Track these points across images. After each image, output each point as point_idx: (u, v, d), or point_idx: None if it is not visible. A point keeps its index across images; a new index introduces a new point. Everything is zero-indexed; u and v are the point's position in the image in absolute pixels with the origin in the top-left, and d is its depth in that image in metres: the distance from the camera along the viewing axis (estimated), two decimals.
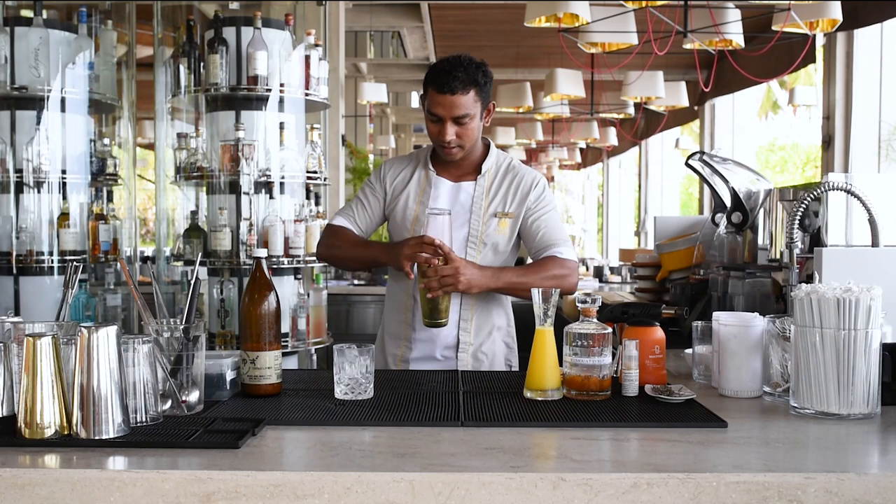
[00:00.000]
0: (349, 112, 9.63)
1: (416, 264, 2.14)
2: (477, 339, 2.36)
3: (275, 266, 3.49)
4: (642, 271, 3.71)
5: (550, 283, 2.23)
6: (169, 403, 1.55)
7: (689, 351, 2.09)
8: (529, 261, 2.43)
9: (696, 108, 8.99)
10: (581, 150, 14.36)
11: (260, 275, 1.78)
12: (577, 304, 1.74)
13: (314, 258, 3.66)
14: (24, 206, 3.60)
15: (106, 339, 1.39)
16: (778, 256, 2.57)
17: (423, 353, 2.35)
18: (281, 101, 3.59)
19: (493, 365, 2.38)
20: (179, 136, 3.75)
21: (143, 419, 1.47)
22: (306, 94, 3.62)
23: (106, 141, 3.98)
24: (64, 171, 3.66)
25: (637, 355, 1.75)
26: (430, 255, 2.10)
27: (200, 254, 3.59)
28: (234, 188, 3.53)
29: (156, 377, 1.50)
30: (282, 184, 3.58)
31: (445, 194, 2.35)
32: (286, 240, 3.53)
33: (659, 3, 4.01)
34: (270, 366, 1.74)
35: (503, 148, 13.45)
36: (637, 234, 11.96)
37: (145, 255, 5.95)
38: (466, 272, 2.14)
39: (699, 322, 1.96)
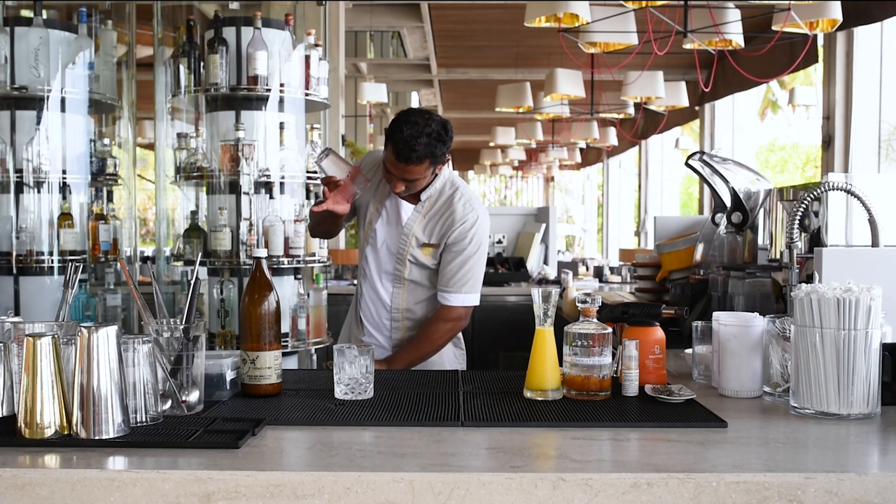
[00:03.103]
0: (349, 112, 9.62)
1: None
2: (409, 332, 2.56)
3: (275, 266, 3.49)
4: (642, 271, 3.71)
5: (439, 344, 2.51)
6: (169, 403, 1.55)
7: (689, 351, 2.09)
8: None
9: (696, 108, 8.99)
10: (581, 150, 14.35)
11: (260, 275, 1.78)
12: (577, 304, 1.75)
13: (314, 258, 3.66)
14: (24, 206, 3.60)
15: (106, 339, 1.39)
16: (778, 256, 2.57)
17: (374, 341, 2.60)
18: (281, 101, 3.59)
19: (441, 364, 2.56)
20: (179, 136, 3.75)
21: (143, 419, 1.47)
22: (306, 94, 3.62)
23: (106, 141, 3.97)
24: (64, 171, 3.66)
25: (637, 355, 1.75)
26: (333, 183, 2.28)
27: (200, 254, 3.59)
28: (234, 188, 3.53)
29: (156, 377, 1.50)
30: (282, 184, 3.57)
31: (394, 207, 2.51)
32: (286, 240, 3.53)
33: (659, 3, 4.01)
34: (270, 366, 1.74)
35: (503, 149, 13.47)
36: (637, 234, 11.96)
37: (145, 255, 5.94)
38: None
39: (699, 322, 1.97)
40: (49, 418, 1.38)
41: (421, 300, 2.55)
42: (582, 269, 7.50)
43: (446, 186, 2.49)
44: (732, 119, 8.94)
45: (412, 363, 2.47)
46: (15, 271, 3.57)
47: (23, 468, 1.26)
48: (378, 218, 2.53)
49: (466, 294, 2.49)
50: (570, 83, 6.66)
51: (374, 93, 8.30)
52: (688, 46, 4.87)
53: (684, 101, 7.15)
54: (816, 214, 2.33)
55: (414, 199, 2.50)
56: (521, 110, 7.63)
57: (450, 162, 2.57)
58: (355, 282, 6.68)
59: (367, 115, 10.90)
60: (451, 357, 2.61)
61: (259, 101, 3.55)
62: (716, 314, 1.82)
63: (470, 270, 2.48)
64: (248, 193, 3.50)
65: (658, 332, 1.83)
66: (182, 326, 1.57)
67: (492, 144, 12.42)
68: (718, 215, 2.85)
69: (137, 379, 1.46)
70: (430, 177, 2.41)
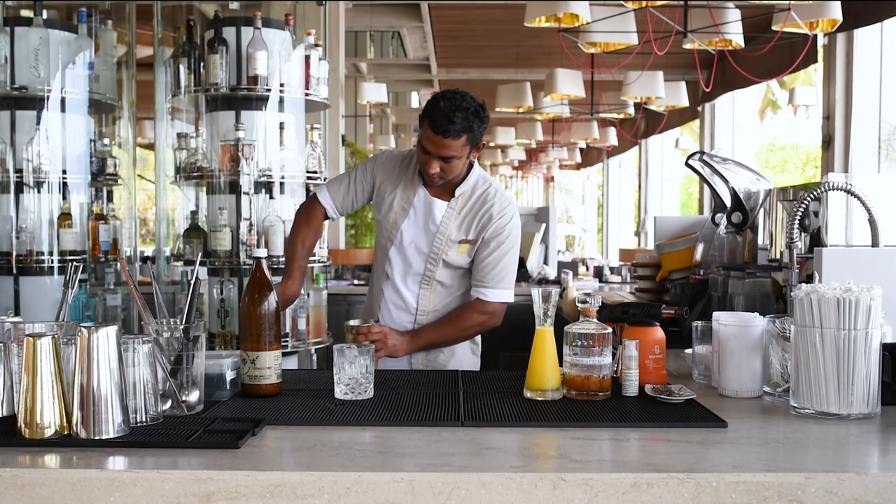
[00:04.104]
0: (349, 112, 9.62)
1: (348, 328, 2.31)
2: (438, 359, 2.50)
3: (275, 266, 3.49)
4: (642, 271, 3.71)
5: (468, 333, 2.47)
6: (169, 403, 1.55)
7: (689, 351, 2.09)
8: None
9: (696, 108, 8.99)
10: (581, 150, 14.37)
11: (260, 275, 1.78)
12: (577, 304, 1.75)
13: (314, 258, 3.66)
14: (24, 206, 3.60)
15: (106, 339, 1.39)
16: (778, 256, 2.57)
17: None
18: (281, 101, 3.59)
19: (459, 363, 2.52)
20: (179, 136, 3.75)
21: (143, 419, 1.47)
22: (306, 94, 3.62)
23: (106, 141, 3.97)
24: (64, 171, 3.66)
25: (637, 355, 1.75)
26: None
27: (200, 254, 3.59)
28: (234, 188, 3.53)
29: (156, 377, 1.50)
30: (282, 184, 3.57)
31: (423, 206, 2.44)
32: (286, 240, 3.53)
33: (659, 3, 4.01)
34: (270, 366, 1.74)
35: (503, 149, 13.47)
36: (637, 234, 11.96)
37: (145, 255, 5.95)
38: (392, 339, 2.31)
39: (699, 322, 1.96)
40: (49, 418, 1.38)
41: (447, 302, 2.48)
42: (582, 269, 7.51)
43: (479, 181, 2.45)
44: (732, 119, 8.93)
45: (434, 344, 2.43)
46: (15, 271, 3.57)
47: (23, 468, 1.26)
48: (405, 217, 2.45)
49: (503, 290, 2.44)
50: (570, 83, 6.66)
51: (374, 93, 8.30)
52: (688, 46, 4.87)
53: (684, 101, 7.15)
54: (816, 214, 2.32)
55: (446, 194, 2.43)
56: (521, 110, 7.63)
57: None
58: (356, 282, 6.66)
59: (367, 115, 10.90)
60: (469, 359, 2.56)
61: (259, 101, 3.55)
62: (716, 314, 1.82)
63: (507, 265, 2.44)
64: (248, 193, 3.50)
65: (658, 332, 1.83)
66: (182, 326, 1.57)
67: (492, 144, 12.42)
68: (718, 215, 2.85)
69: (137, 379, 1.46)
70: (465, 160, 2.34)
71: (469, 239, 2.42)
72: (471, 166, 2.44)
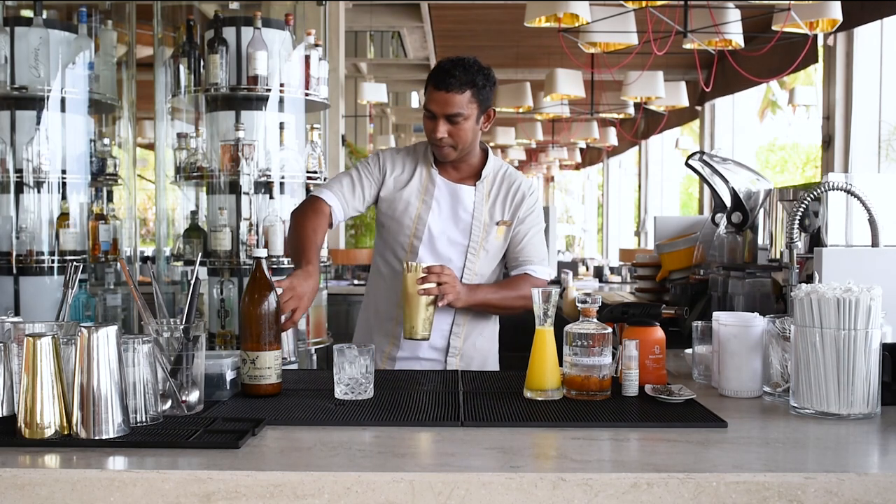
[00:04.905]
0: (349, 112, 9.63)
1: (406, 268, 2.12)
2: (467, 342, 2.37)
3: (275, 266, 3.49)
4: (642, 271, 3.71)
5: (520, 304, 2.31)
6: (169, 403, 1.55)
7: (689, 351, 2.09)
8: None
9: (696, 108, 8.99)
10: (581, 150, 14.37)
11: (260, 275, 1.78)
12: (577, 304, 1.74)
13: None
14: (24, 206, 3.60)
15: (106, 339, 1.39)
16: (778, 256, 2.57)
17: (412, 352, 2.34)
18: (281, 101, 3.59)
19: (483, 366, 2.40)
20: (179, 136, 3.75)
21: (143, 419, 1.47)
22: (306, 94, 3.62)
23: (106, 141, 3.98)
24: (64, 171, 3.66)
25: (637, 355, 1.75)
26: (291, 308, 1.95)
27: (200, 254, 3.59)
28: (234, 188, 3.53)
29: (156, 377, 1.50)
30: (282, 184, 3.58)
31: (446, 195, 2.34)
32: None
33: (659, 3, 4.01)
34: (270, 366, 1.74)
35: (503, 149, 13.47)
36: (637, 234, 11.96)
37: (145, 255, 5.95)
38: (458, 287, 2.17)
39: (699, 322, 1.96)
40: (49, 418, 1.38)
41: None
42: (582, 269, 7.51)
43: (497, 162, 2.41)
44: (732, 119, 8.94)
45: (488, 304, 2.28)
46: (15, 271, 3.57)
47: (23, 468, 1.26)
48: (428, 210, 2.31)
49: (547, 266, 2.40)
50: (570, 83, 6.66)
51: (374, 93, 8.30)
52: (688, 46, 4.87)
53: (684, 101, 7.16)
54: (816, 214, 2.32)
55: (469, 178, 2.35)
56: (521, 110, 7.64)
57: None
58: (356, 282, 6.64)
59: (367, 115, 10.90)
60: (494, 358, 2.48)
61: (259, 101, 3.55)
62: (716, 314, 1.82)
63: (544, 241, 2.41)
64: (248, 193, 3.50)
65: (658, 332, 1.83)
66: (182, 326, 1.57)
67: (492, 144, 12.42)
68: (718, 215, 2.85)
69: (137, 379, 1.46)
70: (473, 123, 2.24)
71: (506, 220, 2.34)
72: (485, 152, 2.39)
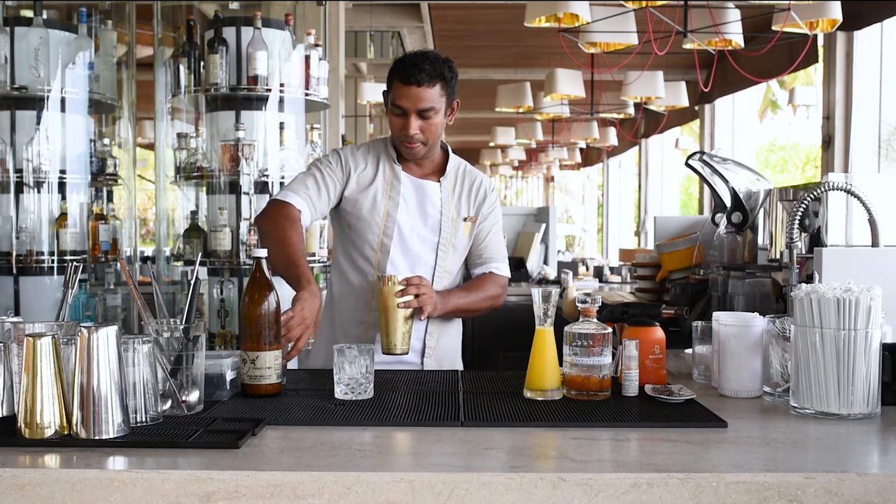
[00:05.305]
0: (349, 112, 9.62)
1: (379, 281, 2.08)
2: (440, 342, 2.35)
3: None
4: (642, 271, 3.71)
5: (487, 305, 2.35)
6: (169, 403, 1.55)
7: (689, 351, 2.09)
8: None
9: (696, 108, 8.99)
10: (581, 150, 14.36)
11: (260, 275, 1.78)
12: (577, 304, 1.74)
13: (314, 258, 3.66)
14: (24, 206, 3.60)
15: (106, 339, 1.39)
16: (778, 256, 2.57)
17: (385, 357, 2.19)
18: (281, 101, 3.59)
19: (453, 365, 2.39)
20: (179, 136, 3.75)
21: (143, 419, 1.47)
22: (306, 94, 3.63)
23: (106, 141, 3.98)
24: (64, 171, 3.67)
25: (637, 355, 1.75)
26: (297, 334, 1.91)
27: (200, 254, 3.59)
28: (234, 188, 3.53)
29: (156, 377, 1.50)
30: (282, 184, 3.57)
31: (412, 191, 2.30)
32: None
33: (659, 3, 4.01)
34: (270, 366, 1.74)
35: (503, 149, 13.48)
36: (637, 234, 11.96)
37: (145, 255, 5.94)
38: (434, 295, 2.14)
39: (699, 322, 1.96)
40: (49, 418, 1.38)
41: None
42: (582, 269, 7.50)
43: (457, 160, 2.39)
44: (732, 119, 8.93)
45: (459, 310, 2.27)
46: (15, 271, 3.57)
47: (23, 468, 1.26)
48: (396, 207, 2.27)
49: (507, 264, 2.43)
50: (570, 83, 6.66)
51: (374, 93, 8.29)
52: (688, 46, 4.87)
53: (684, 101, 7.15)
54: (816, 214, 2.32)
55: (432, 174, 2.33)
56: (521, 110, 7.63)
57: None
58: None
59: (367, 115, 10.90)
60: (459, 355, 2.46)
61: (259, 101, 3.56)
62: (716, 314, 1.82)
63: (502, 239, 2.44)
64: (248, 193, 3.50)
65: (658, 332, 1.83)
66: (182, 326, 1.57)
67: (492, 144, 12.42)
68: (718, 215, 2.85)
69: (137, 379, 1.46)
70: (442, 117, 2.22)
71: (471, 216, 2.35)
72: (445, 149, 2.37)
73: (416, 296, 2.07)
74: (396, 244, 2.27)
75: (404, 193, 2.30)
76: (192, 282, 1.70)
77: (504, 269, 2.41)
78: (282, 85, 3.55)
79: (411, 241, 2.29)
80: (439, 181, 2.33)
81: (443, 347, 2.36)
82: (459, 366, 2.43)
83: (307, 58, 3.62)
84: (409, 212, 2.29)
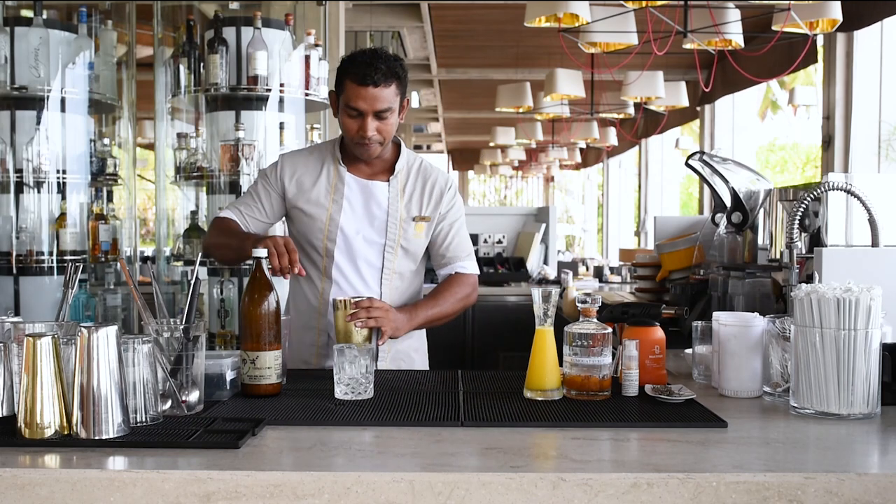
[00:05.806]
0: None
1: (334, 306, 2.05)
2: (396, 344, 2.27)
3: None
4: (642, 271, 3.71)
5: (459, 307, 2.29)
6: (169, 403, 1.55)
7: (689, 351, 2.09)
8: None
9: (696, 108, 8.99)
10: (581, 150, 14.36)
11: (260, 275, 1.78)
12: (577, 304, 1.75)
13: None
14: (23, 206, 3.60)
15: (106, 339, 1.39)
16: (778, 256, 2.57)
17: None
18: (281, 101, 3.59)
19: (412, 365, 2.35)
20: (179, 136, 3.75)
21: (143, 419, 1.47)
22: (306, 94, 3.63)
23: (106, 141, 3.98)
24: (64, 171, 3.67)
25: (637, 355, 1.75)
26: (286, 260, 1.96)
27: (200, 254, 3.59)
28: (234, 188, 3.53)
29: (156, 377, 1.50)
30: None
31: (357, 193, 2.26)
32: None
33: (659, 3, 4.00)
34: (270, 366, 1.74)
35: (503, 149, 13.48)
36: (637, 234, 11.96)
37: (145, 255, 5.94)
38: (393, 315, 2.08)
39: (699, 322, 1.97)
40: (49, 418, 1.38)
41: (405, 297, 2.32)
42: (582, 269, 7.50)
43: (409, 156, 2.32)
44: (732, 119, 8.93)
45: (430, 320, 2.22)
46: (15, 271, 3.57)
47: (23, 468, 1.26)
48: (339, 210, 2.23)
49: (473, 262, 2.35)
50: (570, 83, 6.65)
51: None
52: (688, 46, 4.87)
53: (684, 101, 7.15)
54: (816, 214, 2.32)
55: (380, 174, 2.27)
56: (521, 110, 7.63)
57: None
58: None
59: None
60: (425, 356, 2.43)
61: (259, 101, 3.56)
62: (716, 314, 1.82)
63: (467, 236, 2.37)
64: None
65: (658, 332, 1.83)
66: (182, 326, 1.57)
67: (492, 144, 12.42)
68: (718, 215, 2.85)
69: (137, 379, 1.46)
70: (397, 116, 2.17)
71: (424, 216, 2.27)
72: (398, 146, 2.32)
73: (370, 318, 2.02)
74: (341, 248, 2.25)
75: (348, 195, 2.25)
76: (192, 282, 1.70)
77: (471, 267, 2.34)
78: (282, 85, 3.55)
79: (356, 244, 2.25)
80: (388, 181, 2.27)
81: (399, 350, 2.31)
82: (425, 367, 2.39)
83: (307, 58, 3.62)
84: (355, 214, 2.25)
